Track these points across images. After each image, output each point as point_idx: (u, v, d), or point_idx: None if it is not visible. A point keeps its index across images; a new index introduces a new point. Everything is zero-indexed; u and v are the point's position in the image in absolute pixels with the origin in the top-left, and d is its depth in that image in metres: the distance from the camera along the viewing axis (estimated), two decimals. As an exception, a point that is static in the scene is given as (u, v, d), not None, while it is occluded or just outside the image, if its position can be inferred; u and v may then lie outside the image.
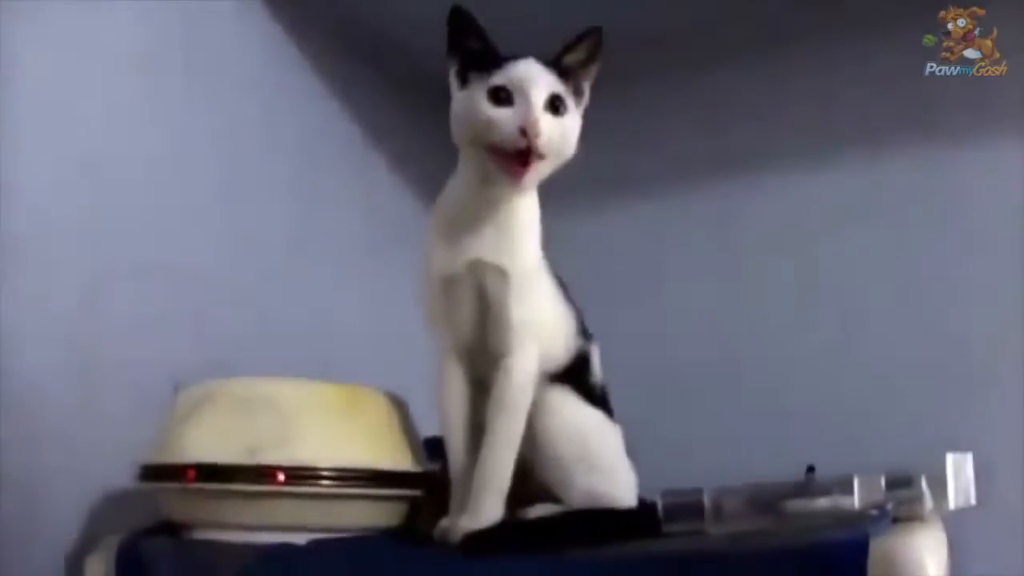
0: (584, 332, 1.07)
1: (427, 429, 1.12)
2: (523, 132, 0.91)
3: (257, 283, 1.42)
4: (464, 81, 0.97)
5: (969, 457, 0.85)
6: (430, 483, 1.06)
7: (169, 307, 1.28)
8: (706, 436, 1.46)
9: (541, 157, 0.93)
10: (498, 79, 0.94)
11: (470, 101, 0.95)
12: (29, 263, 1.13)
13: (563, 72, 0.97)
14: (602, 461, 1.02)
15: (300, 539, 0.98)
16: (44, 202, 1.16)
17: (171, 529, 1.06)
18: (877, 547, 0.70)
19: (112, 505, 1.16)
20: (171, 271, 1.29)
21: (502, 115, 0.93)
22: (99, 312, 1.20)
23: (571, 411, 1.02)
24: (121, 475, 1.12)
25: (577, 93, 0.98)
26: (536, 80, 0.94)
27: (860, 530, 0.73)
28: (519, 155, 0.93)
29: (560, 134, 0.94)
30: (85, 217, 1.20)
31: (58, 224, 1.17)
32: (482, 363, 1.00)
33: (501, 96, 0.93)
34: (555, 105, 0.95)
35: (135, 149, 1.27)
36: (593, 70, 0.99)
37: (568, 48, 0.98)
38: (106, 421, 1.18)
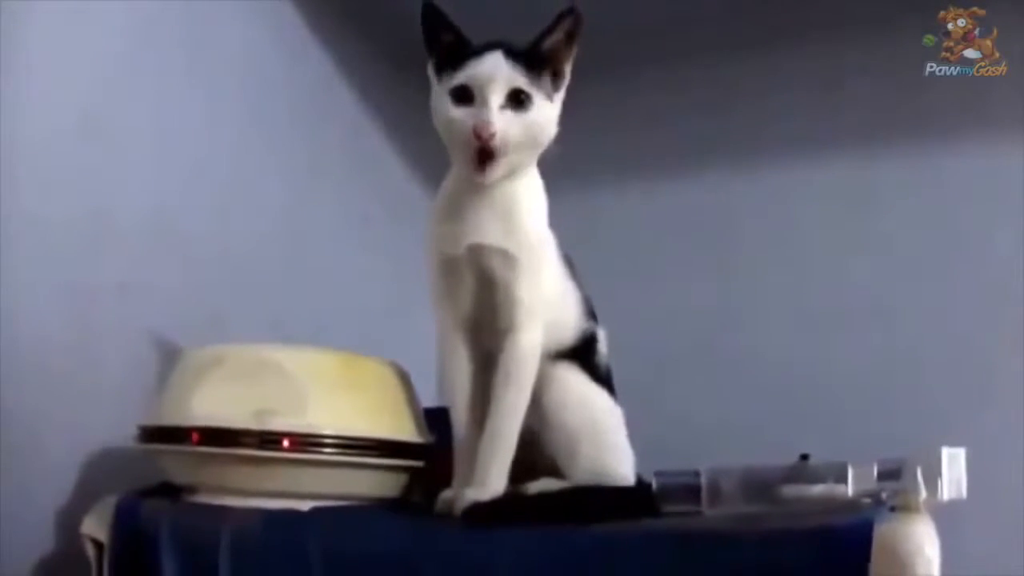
0: (591, 313, 1.08)
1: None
2: (477, 134, 0.93)
3: (254, 247, 1.42)
4: (440, 77, 0.99)
5: (962, 452, 0.87)
6: (431, 454, 1.07)
7: (167, 268, 1.28)
8: (700, 422, 1.48)
9: (496, 156, 0.94)
10: (460, 78, 0.95)
11: (438, 101, 0.97)
12: (29, 222, 1.13)
13: (540, 57, 0.97)
14: (607, 436, 1.04)
15: (302, 506, 0.99)
16: (44, 162, 1.15)
17: (170, 491, 1.07)
18: (878, 534, 0.72)
19: (108, 465, 1.16)
20: (169, 232, 1.29)
21: (460, 115, 0.95)
22: (97, 271, 1.20)
23: (578, 385, 1.04)
24: (117, 434, 1.12)
25: (556, 76, 0.99)
26: (494, 78, 0.94)
27: (864, 516, 0.75)
28: (478, 154, 0.94)
29: (522, 128, 0.95)
30: (85, 177, 1.19)
31: (58, 183, 1.16)
32: (487, 339, 1.02)
33: (464, 95, 0.95)
34: (519, 99, 0.95)
35: (134, 114, 1.26)
36: (573, 51, 1.00)
37: (546, 32, 0.98)
38: (104, 380, 1.18)
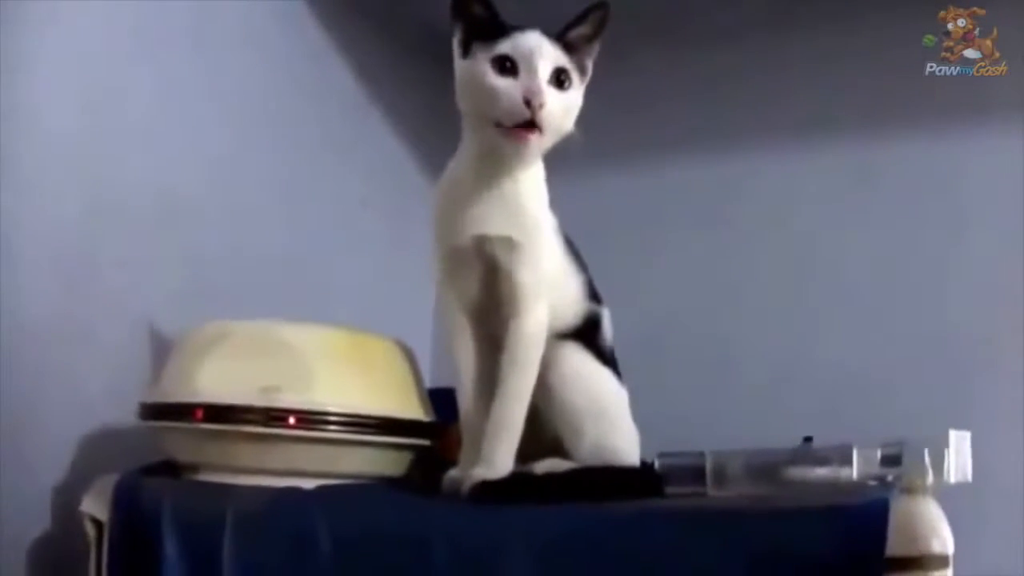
0: (595, 295, 1.08)
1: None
2: (527, 103, 0.92)
3: (252, 223, 1.42)
4: (467, 50, 0.97)
5: (968, 435, 0.88)
6: (437, 433, 1.07)
7: (166, 246, 1.27)
8: (700, 403, 1.48)
9: (542, 130, 0.93)
10: (503, 48, 0.94)
11: (473, 70, 0.95)
12: (27, 195, 1.12)
13: (567, 47, 0.97)
14: (611, 414, 1.04)
15: (306, 484, 0.98)
16: (44, 133, 1.15)
17: (172, 470, 1.06)
18: (893, 514, 0.72)
19: (107, 443, 1.15)
20: (169, 211, 1.28)
21: (506, 85, 0.93)
22: (95, 245, 1.19)
23: (583, 363, 1.03)
24: (116, 412, 1.12)
25: (580, 69, 0.99)
26: (542, 52, 0.94)
27: (878, 496, 0.75)
28: (522, 125, 0.93)
29: (563, 108, 0.95)
30: (84, 149, 1.19)
31: (56, 156, 1.16)
32: (493, 323, 1.01)
33: (506, 66, 0.94)
34: (560, 79, 0.95)
35: (135, 92, 1.26)
36: (596, 47, 1.00)
37: (573, 23, 0.98)
38: (102, 358, 1.18)
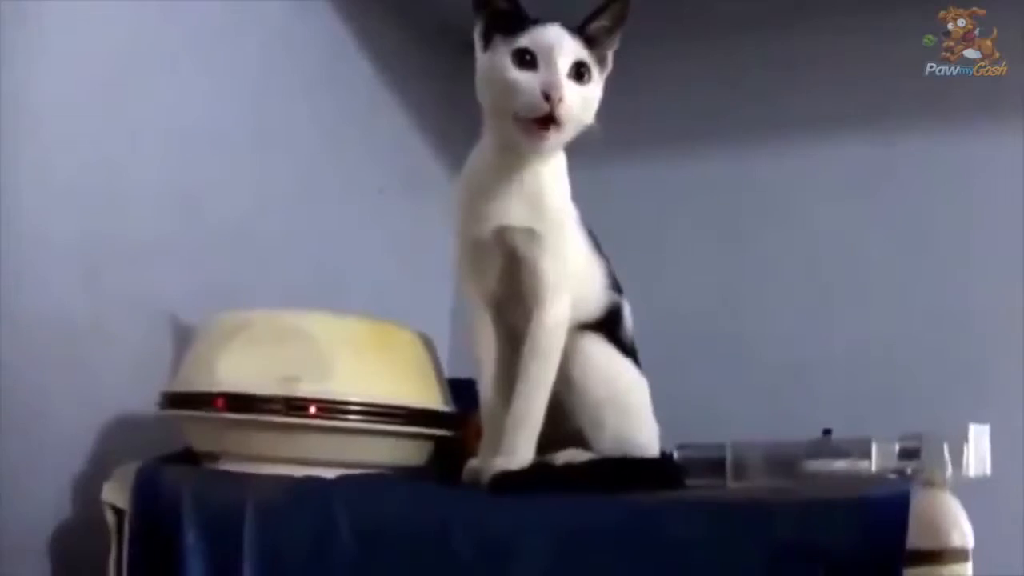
0: (616, 286, 1.09)
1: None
2: (546, 97, 0.92)
3: (269, 216, 1.42)
4: (488, 42, 0.97)
5: (987, 429, 0.88)
6: (457, 424, 1.07)
7: (182, 237, 1.27)
8: (719, 399, 1.48)
9: (561, 125, 0.93)
10: (523, 41, 0.94)
11: (493, 63, 0.95)
12: (42, 188, 1.12)
13: (588, 40, 0.97)
14: (632, 405, 1.04)
15: (327, 473, 0.98)
16: (61, 126, 1.15)
17: (192, 458, 1.06)
18: (914, 506, 0.72)
19: (128, 432, 1.16)
20: (185, 201, 1.28)
21: (525, 78, 0.93)
22: (113, 236, 1.19)
23: (605, 355, 1.04)
24: (134, 401, 1.13)
25: (600, 62, 0.99)
26: (562, 45, 0.94)
27: (899, 488, 0.75)
28: (540, 120, 0.93)
29: (582, 102, 0.95)
30: (101, 142, 1.19)
31: (73, 148, 1.16)
32: (515, 315, 1.02)
33: (526, 59, 0.94)
34: (579, 72, 0.95)
35: (151, 85, 1.26)
36: (616, 39, 1.00)
37: (593, 15, 0.98)
38: (119, 348, 1.18)
